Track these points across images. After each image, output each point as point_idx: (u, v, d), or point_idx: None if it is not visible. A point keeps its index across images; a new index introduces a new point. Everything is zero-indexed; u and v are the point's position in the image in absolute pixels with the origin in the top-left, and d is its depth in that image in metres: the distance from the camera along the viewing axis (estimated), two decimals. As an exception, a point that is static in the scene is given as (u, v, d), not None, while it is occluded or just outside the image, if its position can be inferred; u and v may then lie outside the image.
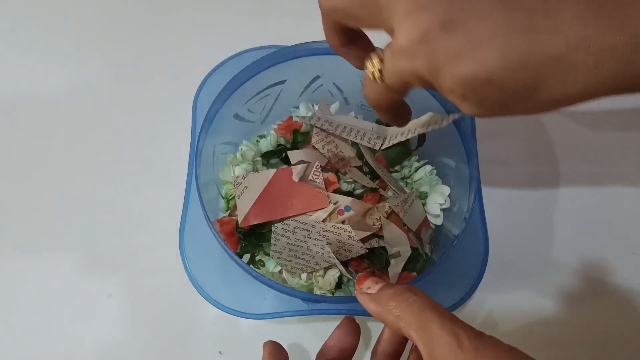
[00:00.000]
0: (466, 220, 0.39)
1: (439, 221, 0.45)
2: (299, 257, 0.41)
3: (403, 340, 0.31)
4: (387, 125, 0.46)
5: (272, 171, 0.43)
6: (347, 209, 0.42)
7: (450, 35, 0.23)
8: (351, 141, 0.46)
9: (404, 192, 0.44)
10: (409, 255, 0.41)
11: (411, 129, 0.42)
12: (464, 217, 0.40)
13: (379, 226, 0.41)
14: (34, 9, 0.58)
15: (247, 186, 0.42)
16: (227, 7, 0.59)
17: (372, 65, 0.28)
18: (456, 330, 0.25)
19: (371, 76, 0.28)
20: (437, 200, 0.44)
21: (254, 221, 0.41)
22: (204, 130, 0.42)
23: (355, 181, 0.44)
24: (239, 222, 0.41)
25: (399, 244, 0.41)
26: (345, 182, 0.44)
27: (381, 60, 0.27)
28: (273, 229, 0.41)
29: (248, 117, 0.47)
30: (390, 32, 0.26)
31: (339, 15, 0.29)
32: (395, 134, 0.44)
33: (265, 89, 0.46)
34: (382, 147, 0.45)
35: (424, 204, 0.45)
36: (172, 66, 0.55)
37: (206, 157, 0.43)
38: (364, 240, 0.41)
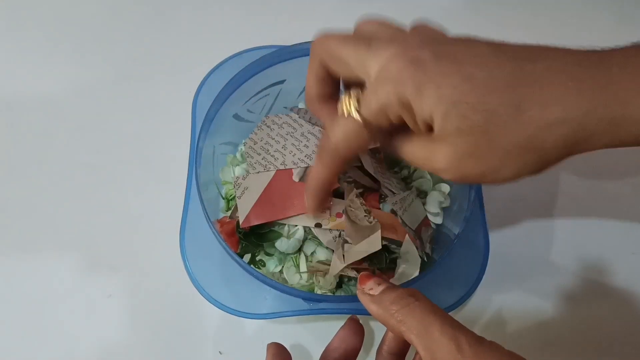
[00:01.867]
0: (466, 219, 0.39)
1: (439, 220, 0.45)
2: (270, 153, 0.42)
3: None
4: None
5: (272, 171, 0.43)
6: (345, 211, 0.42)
7: (440, 61, 0.25)
8: None
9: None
10: (418, 267, 0.41)
11: None
12: (464, 215, 0.40)
13: (375, 221, 0.41)
14: (34, 9, 0.58)
15: (247, 187, 0.42)
16: (227, 7, 0.59)
17: (348, 102, 0.29)
18: (457, 335, 0.25)
19: (345, 110, 0.29)
20: (437, 199, 0.44)
21: (256, 221, 0.41)
22: (204, 130, 0.42)
23: (355, 181, 0.44)
24: (240, 223, 0.41)
25: (408, 251, 0.42)
26: (345, 181, 0.44)
27: (359, 96, 0.28)
28: (263, 119, 0.44)
29: (248, 117, 0.47)
30: (369, 75, 0.27)
31: (326, 54, 0.30)
32: None
33: (265, 88, 0.46)
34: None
35: (424, 203, 0.45)
36: (171, 66, 0.55)
37: (206, 157, 0.43)
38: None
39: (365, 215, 0.41)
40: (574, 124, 0.25)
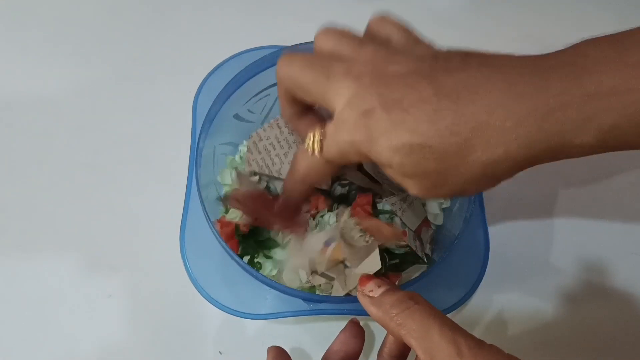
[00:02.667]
0: (466, 219, 0.39)
1: (439, 221, 0.45)
2: (270, 156, 0.42)
3: None
4: None
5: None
6: (328, 243, 0.40)
7: (388, 113, 0.26)
8: None
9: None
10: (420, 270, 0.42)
11: None
12: (464, 216, 0.40)
13: (371, 240, 0.40)
14: (34, 9, 0.58)
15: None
16: (227, 7, 0.59)
17: (314, 138, 0.30)
18: (456, 339, 0.26)
19: (310, 149, 0.30)
20: (437, 200, 0.44)
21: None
22: (204, 130, 0.42)
23: (351, 183, 0.44)
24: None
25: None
26: (339, 185, 0.44)
27: (322, 136, 0.30)
28: (277, 118, 0.43)
29: (248, 117, 0.47)
30: (333, 109, 0.29)
31: (290, 83, 0.31)
32: None
33: (265, 89, 0.46)
34: None
35: (423, 204, 0.45)
36: (172, 66, 0.55)
37: (206, 157, 0.43)
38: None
39: (360, 235, 0.40)
40: (518, 158, 0.26)
